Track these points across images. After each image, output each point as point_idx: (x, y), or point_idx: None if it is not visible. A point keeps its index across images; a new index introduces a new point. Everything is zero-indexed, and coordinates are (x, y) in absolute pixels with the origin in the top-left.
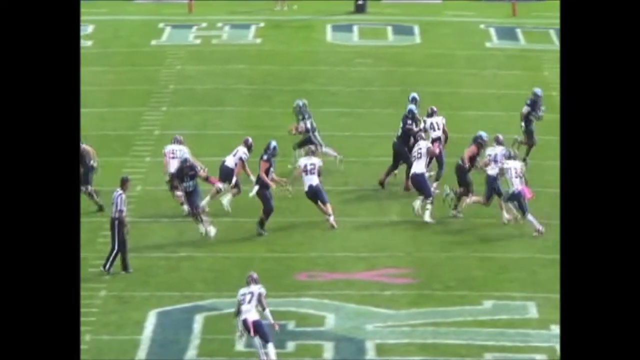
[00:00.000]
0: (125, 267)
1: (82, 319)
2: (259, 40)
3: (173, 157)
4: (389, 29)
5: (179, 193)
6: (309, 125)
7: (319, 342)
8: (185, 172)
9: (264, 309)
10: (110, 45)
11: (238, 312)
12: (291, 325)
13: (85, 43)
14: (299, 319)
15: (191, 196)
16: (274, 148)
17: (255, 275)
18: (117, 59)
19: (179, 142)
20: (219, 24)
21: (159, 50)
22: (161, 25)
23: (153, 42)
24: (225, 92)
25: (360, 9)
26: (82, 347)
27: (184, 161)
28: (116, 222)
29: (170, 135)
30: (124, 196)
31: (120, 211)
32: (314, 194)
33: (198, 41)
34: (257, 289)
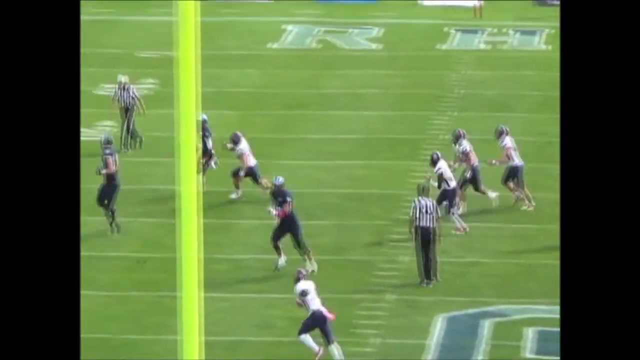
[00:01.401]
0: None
1: (369, 322)
2: (547, 47)
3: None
4: None
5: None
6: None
7: None
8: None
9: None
10: (398, 49)
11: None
12: None
13: (374, 46)
14: None
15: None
16: None
17: (304, 272)
18: (404, 62)
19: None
20: (506, 30)
21: (445, 55)
22: (446, 29)
23: (438, 46)
24: (513, 98)
25: None
26: (369, 349)
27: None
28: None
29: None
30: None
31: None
32: None
33: (485, 46)
34: (310, 285)
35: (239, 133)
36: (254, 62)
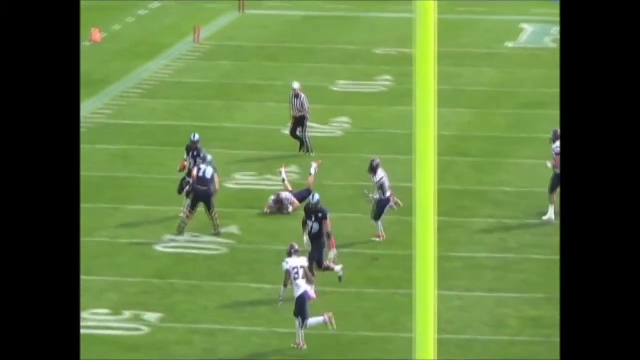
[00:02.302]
0: None
1: None
2: None
3: None
4: None
5: None
6: None
7: None
8: None
9: (310, 282)
10: None
11: (285, 285)
12: None
13: None
14: None
15: None
16: None
17: (297, 247)
18: None
19: None
20: None
21: None
22: None
23: None
24: None
25: None
26: None
27: None
28: None
29: None
30: None
31: None
32: None
33: None
34: (302, 262)
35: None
36: (491, 61)
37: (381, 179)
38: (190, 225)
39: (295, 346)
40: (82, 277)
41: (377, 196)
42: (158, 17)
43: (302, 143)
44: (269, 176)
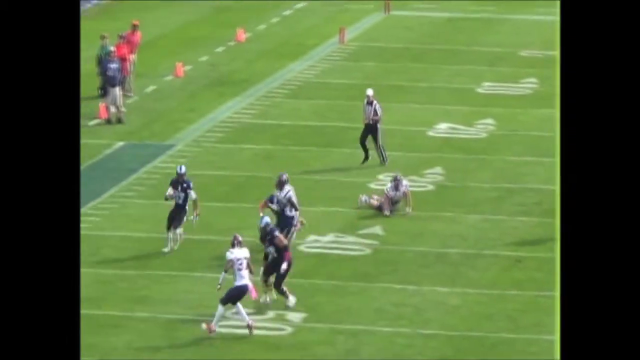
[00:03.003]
0: None
1: None
2: None
3: None
4: None
5: None
6: None
7: None
8: None
9: (251, 273)
10: None
11: (226, 271)
12: None
13: None
14: None
15: None
16: None
17: (240, 238)
18: None
19: None
20: None
21: None
22: None
23: None
24: None
25: None
26: None
27: None
28: None
29: None
30: None
31: None
32: None
33: None
34: (246, 254)
35: None
36: None
37: (287, 192)
38: (334, 225)
39: (207, 329)
40: (227, 276)
41: (291, 213)
42: (303, 18)
43: (367, 154)
44: (414, 177)
